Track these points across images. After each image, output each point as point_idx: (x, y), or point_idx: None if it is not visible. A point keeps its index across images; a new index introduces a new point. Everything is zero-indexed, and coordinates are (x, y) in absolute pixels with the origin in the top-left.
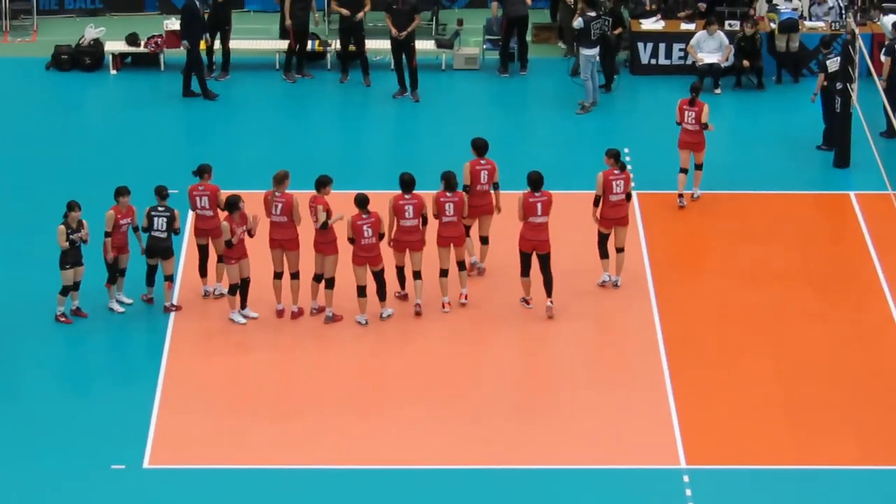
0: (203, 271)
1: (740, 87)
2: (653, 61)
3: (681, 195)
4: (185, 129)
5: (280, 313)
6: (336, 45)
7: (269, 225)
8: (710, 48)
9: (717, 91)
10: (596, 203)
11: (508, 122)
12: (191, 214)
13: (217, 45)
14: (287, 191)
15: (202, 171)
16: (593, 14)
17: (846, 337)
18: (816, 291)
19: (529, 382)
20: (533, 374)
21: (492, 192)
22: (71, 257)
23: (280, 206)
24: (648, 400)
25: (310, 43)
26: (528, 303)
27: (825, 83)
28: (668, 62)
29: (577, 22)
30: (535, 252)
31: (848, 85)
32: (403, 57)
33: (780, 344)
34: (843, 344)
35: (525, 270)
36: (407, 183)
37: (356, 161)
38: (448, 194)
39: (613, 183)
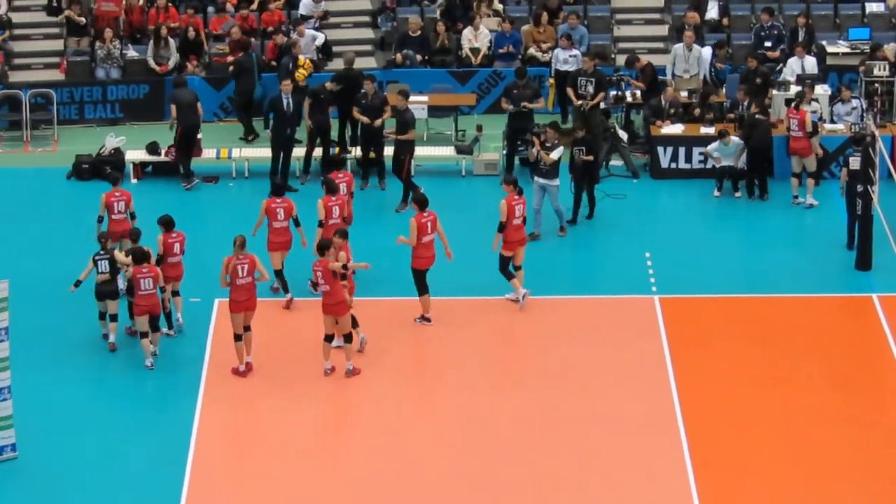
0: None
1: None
2: (672, 165)
3: (795, 196)
4: (206, 234)
5: (244, 373)
6: (356, 152)
7: (231, 291)
8: (728, 154)
9: (738, 194)
10: (501, 229)
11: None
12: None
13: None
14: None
15: (115, 179)
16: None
17: (870, 440)
18: (839, 394)
19: (547, 484)
20: (553, 476)
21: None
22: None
23: (245, 267)
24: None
25: (330, 150)
26: (429, 321)
27: (847, 180)
28: (687, 166)
29: (557, 152)
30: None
31: (868, 187)
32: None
33: (803, 447)
34: (866, 447)
35: (426, 288)
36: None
37: (373, 268)
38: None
39: (515, 207)
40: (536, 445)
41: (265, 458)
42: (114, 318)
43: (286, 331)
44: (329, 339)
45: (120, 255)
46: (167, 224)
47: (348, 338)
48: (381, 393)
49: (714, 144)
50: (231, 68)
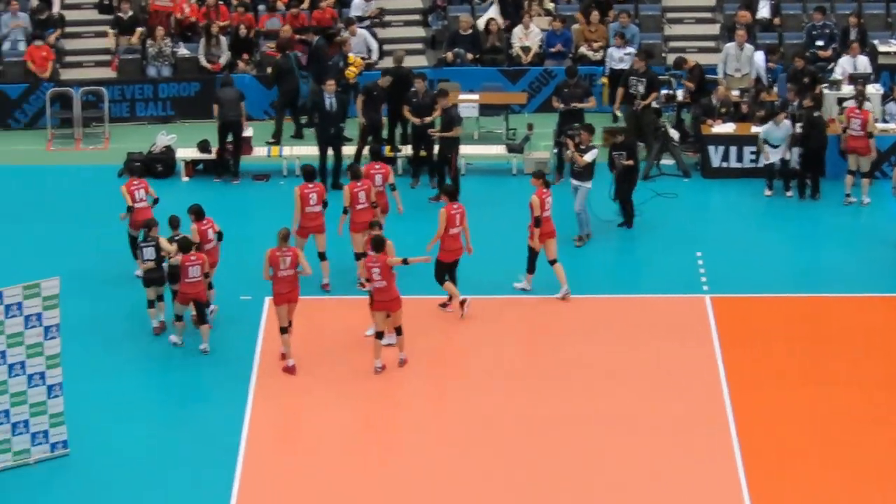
0: (135, 255)
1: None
2: (724, 164)
3: (847, 195)
4: (256, 232)
5: (293, 369)
6: (407, 150)
7: (274, 284)
8: (778, 137)
9: (789, 194)
10: (537, 224)
11: (574, 227)
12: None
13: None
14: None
15: (131, 171)
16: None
17: None
18: (893, 395)
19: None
20: (602, 476)
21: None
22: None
23: (288, 259)
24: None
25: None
26: (465, 304)
27: None
28: (739, 165)
29: (591, 154)
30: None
31: None
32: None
33: (857, 448)
34: None
35: (444, 279)
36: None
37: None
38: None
39: (546, 200)
40: (585, 445)
41: (315, 455)
42: (160, 297)
43: (332, 327)
44: (380, 336)
45: (164, 242)
46: (197, 213)
47: (399, 330)
48: (430, 390)
49: (766, 126)
50: (269, 71)
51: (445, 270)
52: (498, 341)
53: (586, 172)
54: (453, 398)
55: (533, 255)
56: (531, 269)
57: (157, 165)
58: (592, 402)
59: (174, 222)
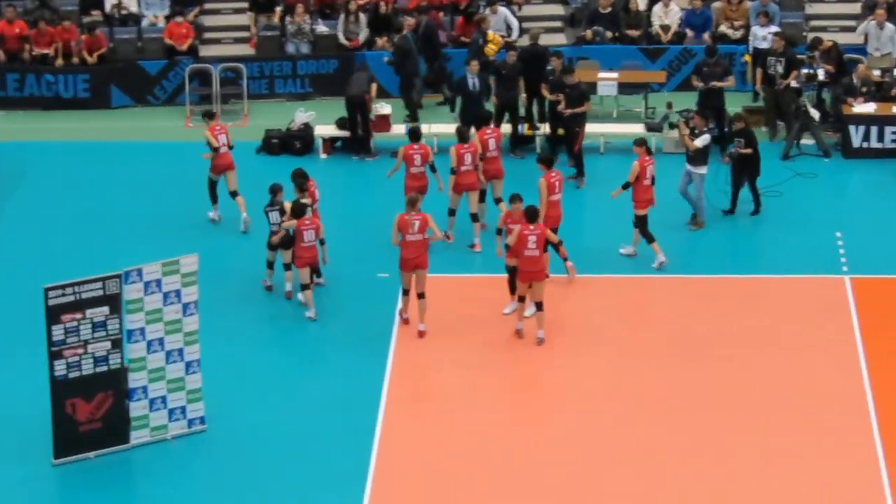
0: (213, 198)
1: None
2: (864, 144)
3: None
4: (391, 209)
5: (407, 321)
6: (545, 128)
7: (402, 249)
8: None
9: None
10: (625, 187)
11: (709, 206)
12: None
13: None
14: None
15: (211, 115)
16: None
17: None
18: None
19: (738, 465)
20: (737, 450)
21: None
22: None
23: (417, 223)
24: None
25: (519, 126)
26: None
27: None
28: (880, 145)
29: (702, 140)
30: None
31: None
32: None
33: None
34: None
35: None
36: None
37: None
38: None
39: (647, 168)
40: (718, 423)
41: (451, 431)
42: (287, 266)
43: (468, 302)
44: (522, 299)
45: (289, 206)
46: (302, 175)
47: (540, 305)
48: (566, 363)
49: None
50: (386, 60)
51: None
52: (630, 318)
53: (699, 157)
54: (586, 372)
55: (641, 220)
56: (649, 238)
57: (295, 142)
58: (727, 380)
59: (301, 186)
